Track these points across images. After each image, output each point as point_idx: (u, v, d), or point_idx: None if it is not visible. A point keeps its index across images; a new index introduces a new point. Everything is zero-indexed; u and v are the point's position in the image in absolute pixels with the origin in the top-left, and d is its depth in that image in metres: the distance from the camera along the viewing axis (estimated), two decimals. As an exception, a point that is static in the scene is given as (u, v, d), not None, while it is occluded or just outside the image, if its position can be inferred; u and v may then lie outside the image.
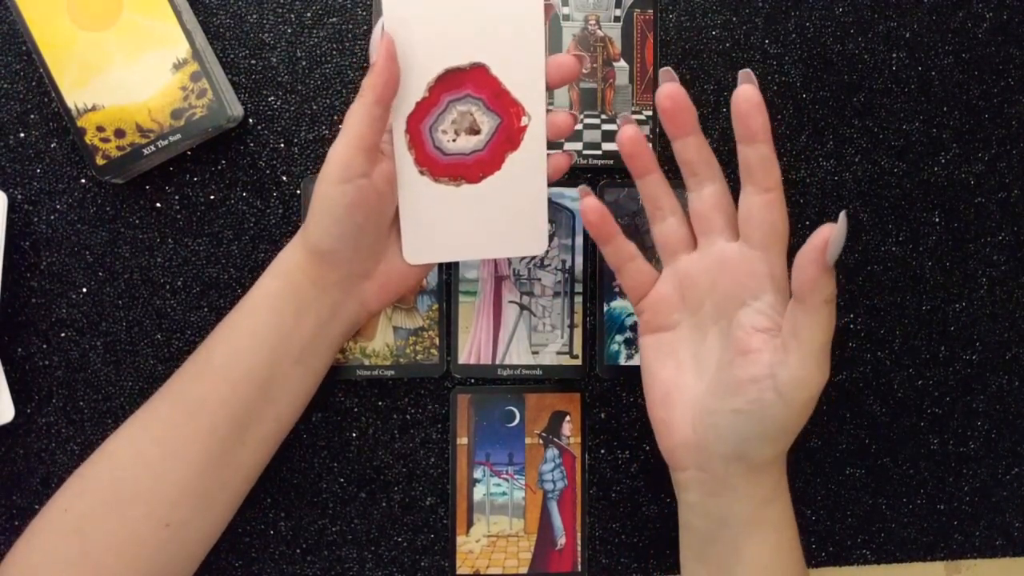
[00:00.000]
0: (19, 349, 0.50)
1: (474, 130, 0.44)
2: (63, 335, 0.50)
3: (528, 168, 0.44)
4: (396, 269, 0.46)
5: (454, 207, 0.45)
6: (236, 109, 0.49)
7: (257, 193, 0.50)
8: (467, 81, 0.43)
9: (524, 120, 0.43)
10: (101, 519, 0.41)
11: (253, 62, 0.50)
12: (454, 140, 0.43)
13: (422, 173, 0.44)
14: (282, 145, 0.51)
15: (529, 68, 0.43)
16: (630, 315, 0.52)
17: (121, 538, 0.41)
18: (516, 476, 0.52)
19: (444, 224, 0.45)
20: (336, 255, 0.43)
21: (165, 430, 0.42)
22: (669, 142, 0.52)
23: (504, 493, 0.52)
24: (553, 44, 0.52)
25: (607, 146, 0.51)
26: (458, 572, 0.51)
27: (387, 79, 0.40)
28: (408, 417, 0.52)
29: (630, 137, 0.42)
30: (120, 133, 0.46)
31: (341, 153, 0.40)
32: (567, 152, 0.46)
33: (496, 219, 0.45)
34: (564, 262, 0.52)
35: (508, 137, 0.44)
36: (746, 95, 0.38)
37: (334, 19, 0.51)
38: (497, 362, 0.52)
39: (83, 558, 0.40)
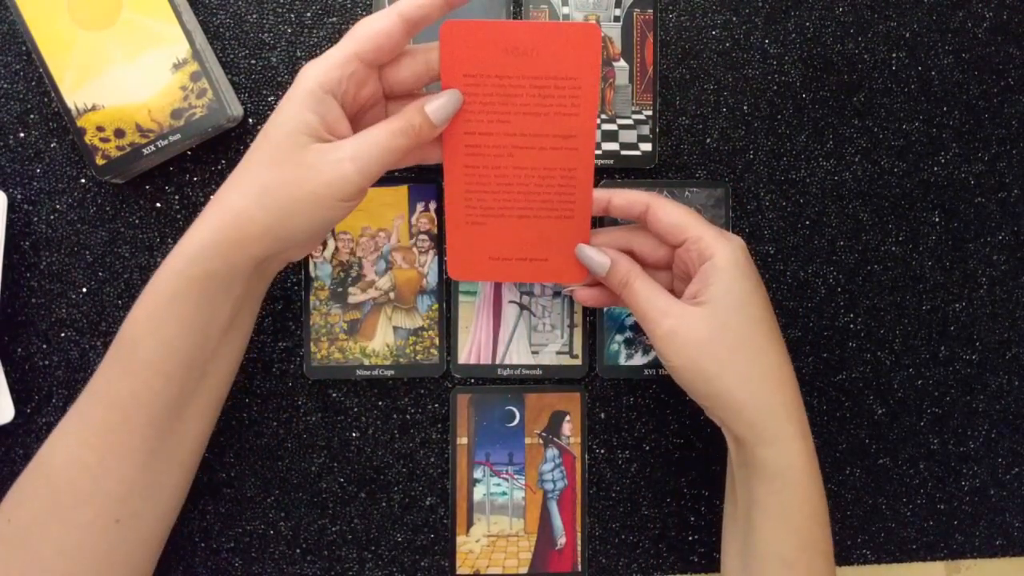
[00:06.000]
0: (19, 349, 0.50)
1: None
2: (63, 335, 0.50)
3: None
4: (322, 226, 0.42)
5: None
6: (236, 109, 0.49)
7: (257, 193, 0.50)
8: None
9: None
10: (45, 527, 0.40)
11: (253, 62, 0.50)
12: None
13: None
14: (282, 145, 0.51)
15: None
16: (630, 315, 0.52)
17: (70, 542, 0.40)
18: (516, 476, 0.52)
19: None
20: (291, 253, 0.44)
21: (100, 435, 0.40)
22: (669, 143, 0.52)
23: (504, 493, 0.52)
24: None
25: (607, 146, 0.51)
26: (458, 572, 0.51)
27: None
28: (408, 417, 0.52)
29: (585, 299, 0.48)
30: (120, 133, 0.46)
31: (359, 183, 0.39)
32: None
33: None
34: (564, 262, 0.52)
35: None
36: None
37: (334, 19, 0.51)
38: (497, 362, 0.52)
39: (32, 566, 0.39)
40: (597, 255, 0.45)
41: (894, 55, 0.53)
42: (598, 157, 0.51)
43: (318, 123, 0.39)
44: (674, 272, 0.46)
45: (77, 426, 0.41)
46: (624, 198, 0.45)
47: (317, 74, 0.39)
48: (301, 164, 0.39)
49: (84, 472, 0.40)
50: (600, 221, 0.51)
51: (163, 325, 0.40)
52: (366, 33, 0.40)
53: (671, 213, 0.44)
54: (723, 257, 0.42)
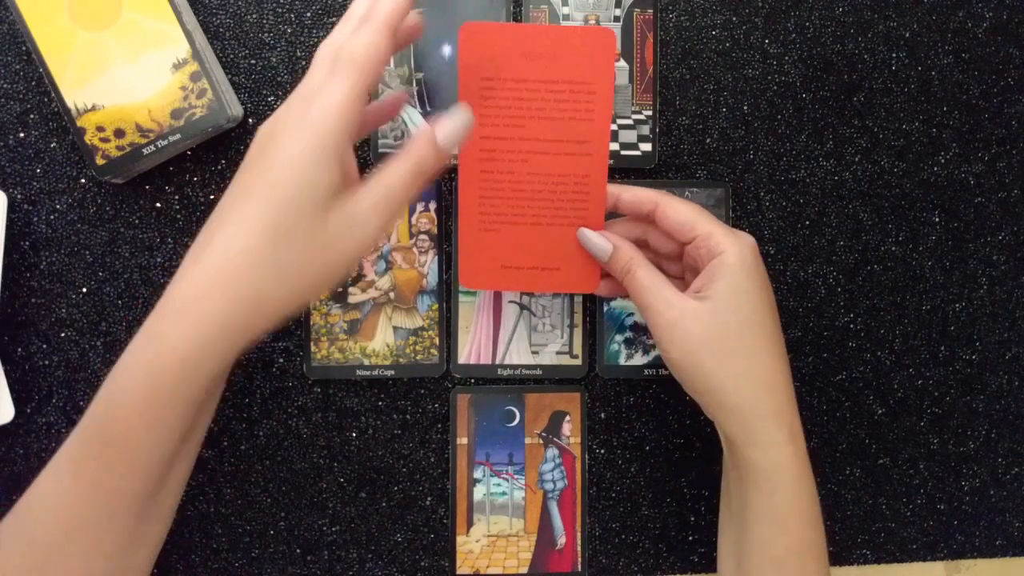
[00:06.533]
0: (19, 349, 0.50)
1: None
2: (63, 335, 0.50)
3: None
4: (338, 285, 0.40)
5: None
6: (236, 109, 0.49)
7: (257, 193, 0.50)
8: None
9: None
10: None
11: (253, 62, 0.50)
12: None
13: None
14: (282, 145, 0.51)
15: None
16: (630, 315, 0.52)
17: None
18: (516, 476, 0.52)
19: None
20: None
21: (72, 519, 0.36)
22: (669, 143, 0.52)
23: (504, 493, 0.52)
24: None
25: (607, 146, 0.51)
26: (458, 572, 0.51)
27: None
28: (408, 417, 0.52)
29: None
30: (120, 133, 0.46)
31: (380, 236, 0.38)
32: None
33: None
34: (564, 262, 0.52)
35: None
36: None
37: (334, 19, 0.51)
38: (497, 362, 0.52)
39: None
40: (599, 239, 0.45)
41: (894, 55, 0.53)
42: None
43: (340, 176, 0.36)
44: (684, 264, 0.46)
45: (51, 499, 0.37)
46: (633, 195, 0.45)
47: (340, 123, 0.35)
48: (326, 235, 0.36)
49: (59, 546, 0.36)
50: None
51: (159, 423, 0.36)
52: (372, 61, 0.36)
53: (680, 211, 0.44)
54: (732, 254, 0.42)
